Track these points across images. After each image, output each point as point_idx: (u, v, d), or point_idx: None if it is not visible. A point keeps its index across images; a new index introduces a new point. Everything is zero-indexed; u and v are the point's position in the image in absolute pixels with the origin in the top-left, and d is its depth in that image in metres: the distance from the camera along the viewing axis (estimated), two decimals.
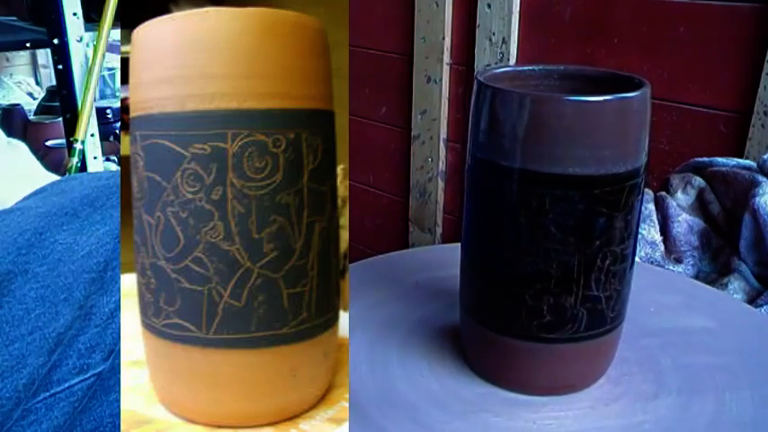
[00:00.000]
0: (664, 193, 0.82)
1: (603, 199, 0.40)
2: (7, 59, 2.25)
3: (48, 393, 0.37)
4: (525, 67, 0.47)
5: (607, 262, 0.42)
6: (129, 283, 0.50)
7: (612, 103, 0.39)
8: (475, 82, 0.43)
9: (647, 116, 0.41)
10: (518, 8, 1.17)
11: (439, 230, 1.41)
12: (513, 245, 0.42)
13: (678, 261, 0.78)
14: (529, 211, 0.41)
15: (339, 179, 0.57)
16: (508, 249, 0.42)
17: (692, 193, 0.81)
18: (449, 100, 1.32)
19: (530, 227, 0.41)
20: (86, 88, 1.38)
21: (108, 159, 1.70)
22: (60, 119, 1.50)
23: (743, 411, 0.44)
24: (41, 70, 2.33)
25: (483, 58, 1.23)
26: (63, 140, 1.53)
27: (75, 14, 1.37)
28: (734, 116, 0.99)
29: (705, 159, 0.85)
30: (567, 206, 0.40)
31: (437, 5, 1.27)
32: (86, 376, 0.39)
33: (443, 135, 1.34)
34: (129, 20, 0.87)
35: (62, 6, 1.35)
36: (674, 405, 0.44)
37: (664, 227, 0.80)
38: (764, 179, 0.75)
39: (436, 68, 1.30)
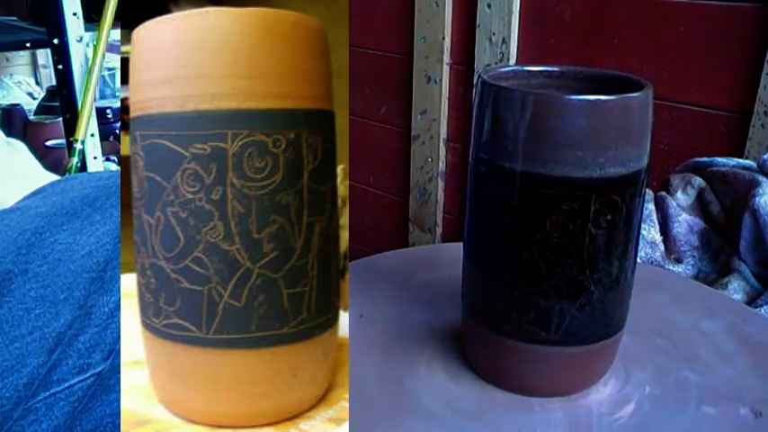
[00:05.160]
0: (664, 193, 0.82)
1: (605, 201, 0.40)
2: (7, 59, 2.25)
3: (47, 393, 0.37)
4: (528, 67, 0.47)
5: (609, 264, 0.42)
6: (129, 283, 0.50)
7: (615, 103, 0.39)
8: (479, 81, 0.43)
9: (649, 117, 0.41)
10: (518, 8, 1.17)
11: (439, 230, 1.41)
12: (514, 246, 0.42)
13: (678, 261, 0.78)
14: (531, 212, 0.41)
15: (339, 179, 0.57)
16: (510, 250, 0.42)
17: (692, 193, 0.81)
18: (449, 100, 1.32)
19: (531, 228, 0.41)
20: (86, 88, 1.38)
21: (108, 159, 1.70)
22: (60, 119, 1.50)
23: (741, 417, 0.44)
24: (41, 70, 2.34)
25: (483, 58, 1.23)
26: (63, 140, 1.53)
27: (75, 14, 1.37)
28: (734, 116, 0.99)
29: (705, 159, 0.85)
30: (569, 208, 0.40)
31: (437, 5, 1.27)
32: (86, 376, 0.39)
33: (443, 135, 1.34)
34: (129, 20, 0.87)
35: (62, 6, 1.35)
36: (675, 407, 0.44)
37: (664, 227, 0.80)
38: (764, 179, 0.75)
39: (436, 68, 1.30)
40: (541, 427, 0.43)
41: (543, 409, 0.44)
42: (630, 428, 0.43)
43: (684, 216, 0.79)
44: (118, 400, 0.40)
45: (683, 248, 0.78)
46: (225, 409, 0.48)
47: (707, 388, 0.46)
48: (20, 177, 0.60)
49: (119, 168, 1.56)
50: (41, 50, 2.22)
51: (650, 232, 0.79)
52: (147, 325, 0.48)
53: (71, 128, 1.40)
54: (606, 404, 0.45)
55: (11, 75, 2.26)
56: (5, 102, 2.04)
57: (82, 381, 0.38)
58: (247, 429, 0.48)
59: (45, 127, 1.85)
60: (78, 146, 1.38)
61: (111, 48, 1.60)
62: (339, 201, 0.59)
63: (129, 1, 0.84)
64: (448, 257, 0.57)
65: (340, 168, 0.63)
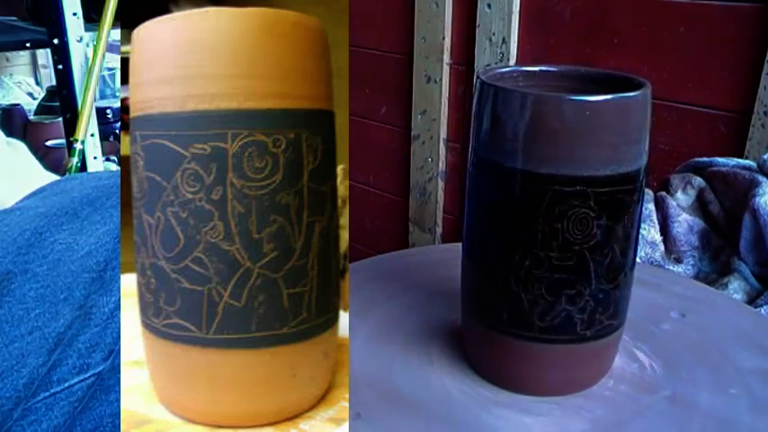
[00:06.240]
0: (664, 193, 0.82)
1: (604, 200, 0.40)
2: (7, 59, 2.25)
3: (47, 393, 0.37)
4: (527, 68, 0.47)
5: (608, 264, 0.42)
6: (129, 283, 0.50)
7: (613, 102, 0.39)
8: (477, 81, 0.43)
9: (647, 116, 0.41)
10: (518, 8, 1.17)
11: (439, 230, 1.41)
12: (514, 245, 0.42)
13: (678, 261, 0.78)
14: (530, 211, 0.41)
15: (339, 179, 0.57)
16: (509, 249, 0.42)
17: (692, 193, 0.81)
18: (449, 100, 1.32)
19: (531, 227, 0.41)
20: (86, 88, 1.38)
21: (108, 159, 1.71)
22: (60, 119, 1.50)
23: (741, 412, 0.44)
24: (41, 70, 2.34)
25: (483, 58, 1.23)
26: (63, 140, 1.53)
27: (75, 14, 1.37)
28: (734, 116, 0.99)
29: (705, 159, 0.85)
30: (568, 207, 0.40)
31: (437, 5, 1.27)
32: (86, 376, 0.39)
33: (443, 135, 1.35)
34: (129, 20, 0.87)
35: (62, 6, 1.35)
36: (675, 407, 0.44)
37: (664, 227, 0.80)
38: (764, 179, 0.75)
39: (436, 68, 1.30)
40: (542, 426, 0.43)
41: (544, 407, 0.44)
42: (632, 426, 0.43)
43: (684, 216, 0.79)
44: (118, 400, 0.40)
45: (683, 248, 0.78)
46: (225, 409, 0.48)
47: (705, 381, 0.47)
48: (20, 177, 0.60)
49: (119, 168, 1.56)
50: (41, 50, 2.22)
51: (650, 232, 0.79)
52: (147, 325, 0.48)
53: (71, 128, 1.40)
54: (607, 402, 0.45)
55: (11, 75, 2.26)
56: (5, 102, 2.04)
57: (82, 381, 0.38)
58: (247, 429, 0.48)
59: (45, 127, 1.85)
60: (78, 146, 1.38)
61: (111, 48, 1.60)
62: (339, 201, 0.59)
63: (129, 1, 0.84)
64: (448, 257, 0.58)
65: (340, 168, 0.63)
